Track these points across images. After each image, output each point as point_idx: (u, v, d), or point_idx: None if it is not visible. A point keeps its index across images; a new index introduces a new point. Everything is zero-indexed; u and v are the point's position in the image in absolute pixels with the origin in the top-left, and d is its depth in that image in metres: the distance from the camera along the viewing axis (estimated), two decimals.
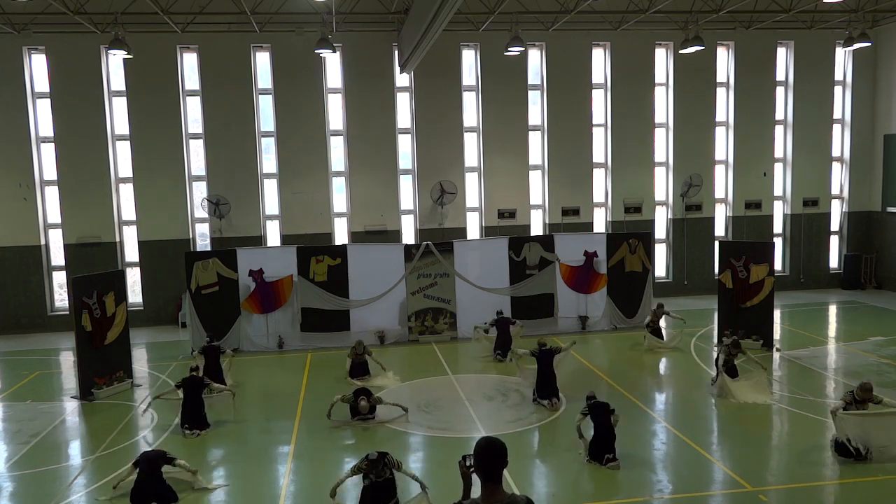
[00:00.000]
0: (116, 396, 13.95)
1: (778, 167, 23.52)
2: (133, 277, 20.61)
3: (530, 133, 22.12)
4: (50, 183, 20.49)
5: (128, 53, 17.92)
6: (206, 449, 11.33)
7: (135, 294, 20.49)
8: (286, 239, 20.97)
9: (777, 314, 18.01)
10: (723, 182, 23.24)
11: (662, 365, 15.48)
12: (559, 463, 10.35)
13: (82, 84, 19.99)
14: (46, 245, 20.55)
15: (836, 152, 23.75)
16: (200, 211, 20.94)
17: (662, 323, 16.91)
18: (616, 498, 9.22)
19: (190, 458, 10.76)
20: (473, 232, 22.05)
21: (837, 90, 23.53)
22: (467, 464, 4.25)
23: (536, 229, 22.24)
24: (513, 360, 14.19)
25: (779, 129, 23.37)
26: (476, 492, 4.29)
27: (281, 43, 20.59)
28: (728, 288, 16.33)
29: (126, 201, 20.87)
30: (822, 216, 23.65)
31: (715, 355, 14.25)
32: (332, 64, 21.22)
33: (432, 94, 21.35)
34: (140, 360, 16.65)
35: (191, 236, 20.95)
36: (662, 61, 22.63)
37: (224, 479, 10.26)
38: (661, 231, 23.06)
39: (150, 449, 10.21)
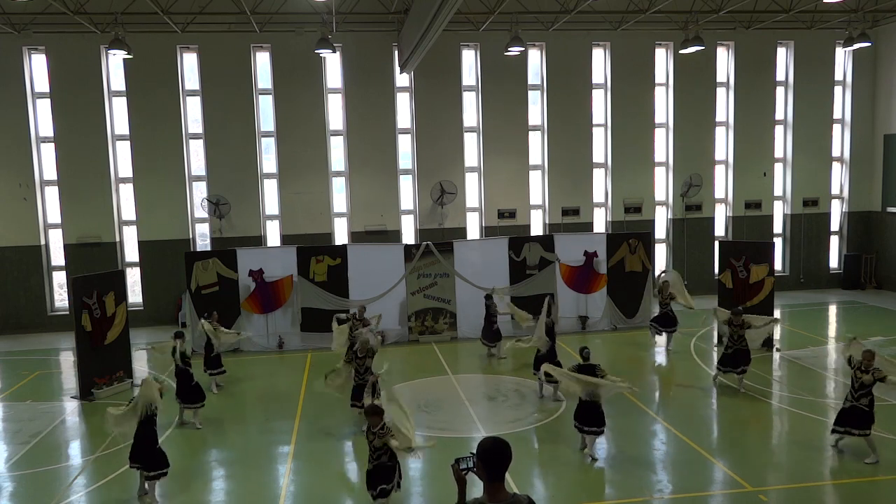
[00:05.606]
0: (116, 396, 13.92)
1: (778, 167, 23.51)
2: (133, 277, 20.60)
3: (530, 133, 22.11)
4: (50, 183, 20.49)
5: (128, 53, 17.93)
6: (206, 448, 11.35)
7: (135, 294, 20.48)
8: (286, 239, 20.95)
9: (777, 314, 18.00)
10: (723, 182, 23.23)
11: (662, 365, 15.49)
12: (559, 463, 10.35)
13: (82, 84, 19.98)
14: (46, 245, 20.54)
15: (836, 152, 23.75)
16: (200, 211, 20.94)
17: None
18: (616, 498, 9.22)
19: (190, 457, 10.86)
20: (473, 232, 22.04)
21: (837, 90, 23.52)
22: (461, 467, 4.24)
23: (536, 229, 22.23)
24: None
25: (779, 129, 23.36)
26: (475, 493, 4.29)
27: (281, 43, 20.58)
28: (728, 288, 16.34)
29: (126, 201, 20.87)
30: (822, 216, 23.64)
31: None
32: (332, 64, 21.21)
33: (432, 94, 21.34)
34: (140, 360, 16.64)
35: (191, 236, 20.95)
36: (662, 61, 22.62)
37: (224, 479, 10.29)
38: (661, 231, 23.06)
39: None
